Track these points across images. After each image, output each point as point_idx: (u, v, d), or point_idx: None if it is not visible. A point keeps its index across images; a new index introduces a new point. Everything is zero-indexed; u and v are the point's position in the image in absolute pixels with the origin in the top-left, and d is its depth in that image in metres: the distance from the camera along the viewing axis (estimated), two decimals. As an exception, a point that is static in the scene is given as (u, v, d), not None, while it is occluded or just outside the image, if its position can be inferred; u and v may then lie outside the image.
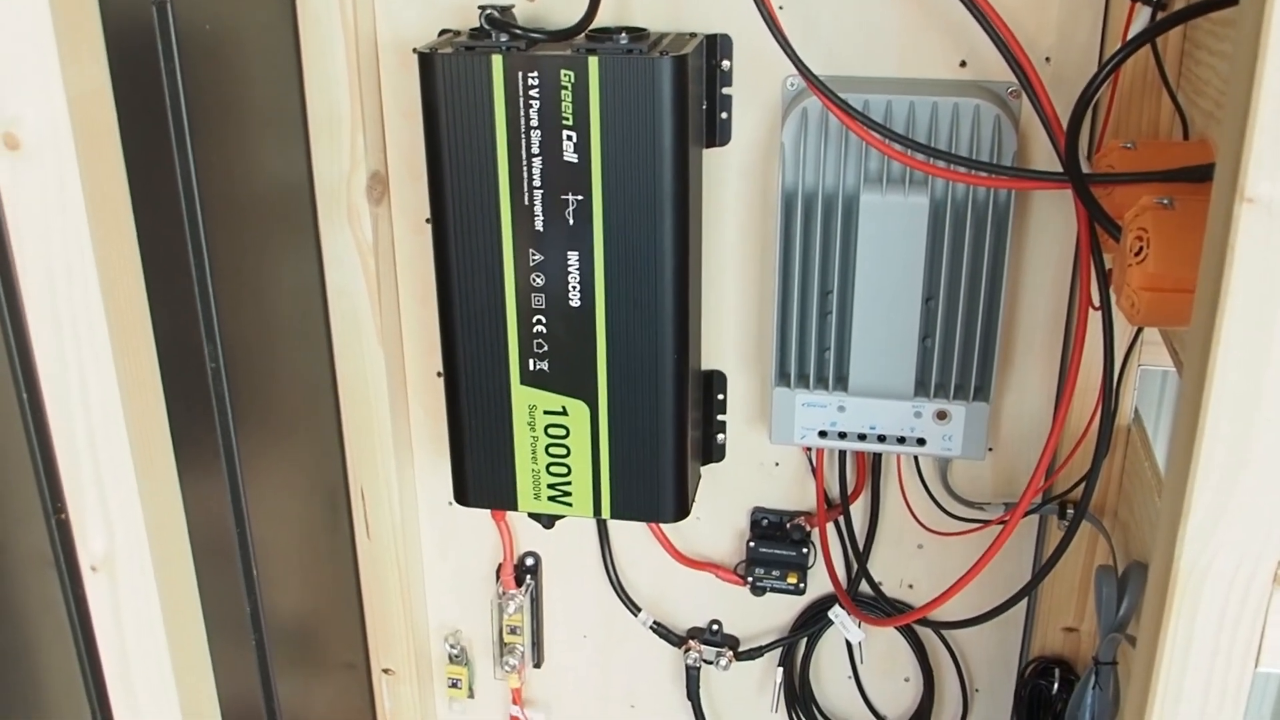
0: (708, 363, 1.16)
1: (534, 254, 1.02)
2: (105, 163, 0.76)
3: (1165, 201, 0.75)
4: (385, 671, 1.34)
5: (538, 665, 1.35)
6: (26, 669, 0.87)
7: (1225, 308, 0.60)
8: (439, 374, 1.12)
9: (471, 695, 1.39)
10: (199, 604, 0.91)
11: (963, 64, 1.02)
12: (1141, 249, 0.74)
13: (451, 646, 1.36)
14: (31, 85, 0.71)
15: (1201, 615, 0.67)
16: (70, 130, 0.72)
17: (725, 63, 1.05)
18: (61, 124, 0.71)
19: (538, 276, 1.03)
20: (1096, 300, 0.91)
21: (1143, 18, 0.90)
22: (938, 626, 1.21)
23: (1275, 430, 0.62)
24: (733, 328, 1.15)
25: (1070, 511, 1.11)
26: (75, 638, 0.86)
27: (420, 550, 1.32)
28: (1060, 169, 0.90)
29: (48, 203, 0.74)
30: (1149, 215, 0.74)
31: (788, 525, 1.21)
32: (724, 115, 1.07)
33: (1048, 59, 1.00)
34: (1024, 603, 1.16)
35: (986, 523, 1.13)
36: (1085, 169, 0.87)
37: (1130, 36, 0.89)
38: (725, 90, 1.06)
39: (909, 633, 1.25)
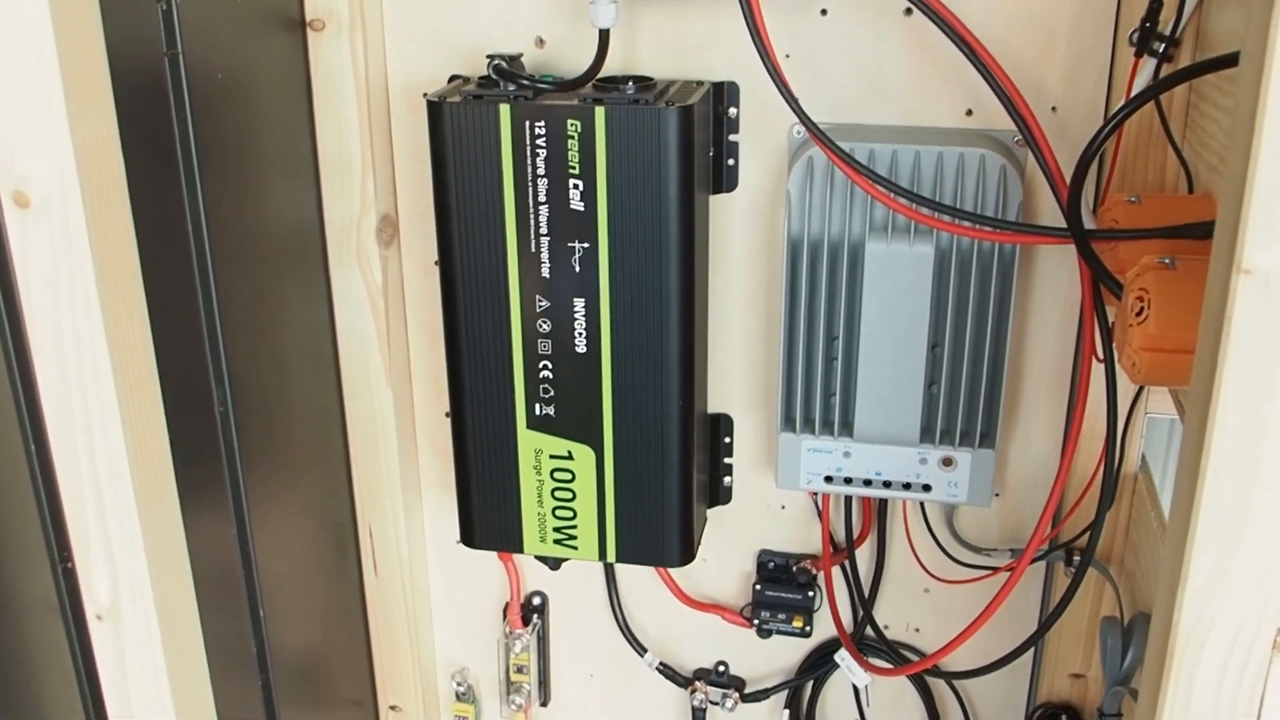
0: (714, 406, 1.16)
1: (540, 300, 1.03)
2: (113, 219, 0.77)
3: (1167, 261, 0.75)
4: (392, 709, 1.34)
5: (544, 704, 1.35)
6: (31, 715, 0.88)
7: (1223, 377, 0.60)
8: (447, 414, 1.12)
9: (478, 733, 1.39)
10: (203, 652, 0.92)
11: (969, 113, 1.02)
12: (1142, 309, 0.74)
13: (458, 684, 1.36)
14: (40, 144, 0.72)
15: (1201, 679, 0.67)
16: (78, 188, 0.73)
17: (732, 110, 1.06)
18: (69, 182, 0.72)
19: (544, 322, 1.03)
20: (1100, 352, 0.91)
21: (1148, 70, 0.90)
22: (946, 676, 1.21)
23: (1274, 495, 0.62)
24: (739, 371, 1.16)
25: (1077, 559, 1.10)
26: (80, 685, 0.87)
27: (428, 588, 1.33)
28: (1064, 222, 0.91)
29: (56, 259, 0.75)
30: (1150, 276, 0.74)
31: (794, 569, 1.21)
32: (731, 162, 1.08)
33: (1054, 109, 1.00)
34: (1031, 648, 1.15)
35: (992, 570, 1.13)
36: (1089, 223, 0.87)
37: (1134, 92, 0.89)
38: (732, 137, 1.07)
39: (916, 677, 1.24)
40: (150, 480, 0.83)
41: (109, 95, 0.76)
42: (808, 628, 1.22)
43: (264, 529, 1.06)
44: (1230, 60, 0.73)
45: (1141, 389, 1.02)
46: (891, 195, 0.94)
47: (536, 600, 1.31)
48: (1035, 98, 0.98)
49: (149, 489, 0.83)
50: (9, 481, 0.82)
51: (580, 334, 1.03)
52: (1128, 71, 0.95)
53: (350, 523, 1.25)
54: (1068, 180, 0.89)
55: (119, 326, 0.78)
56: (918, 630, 1.23)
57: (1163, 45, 0.88)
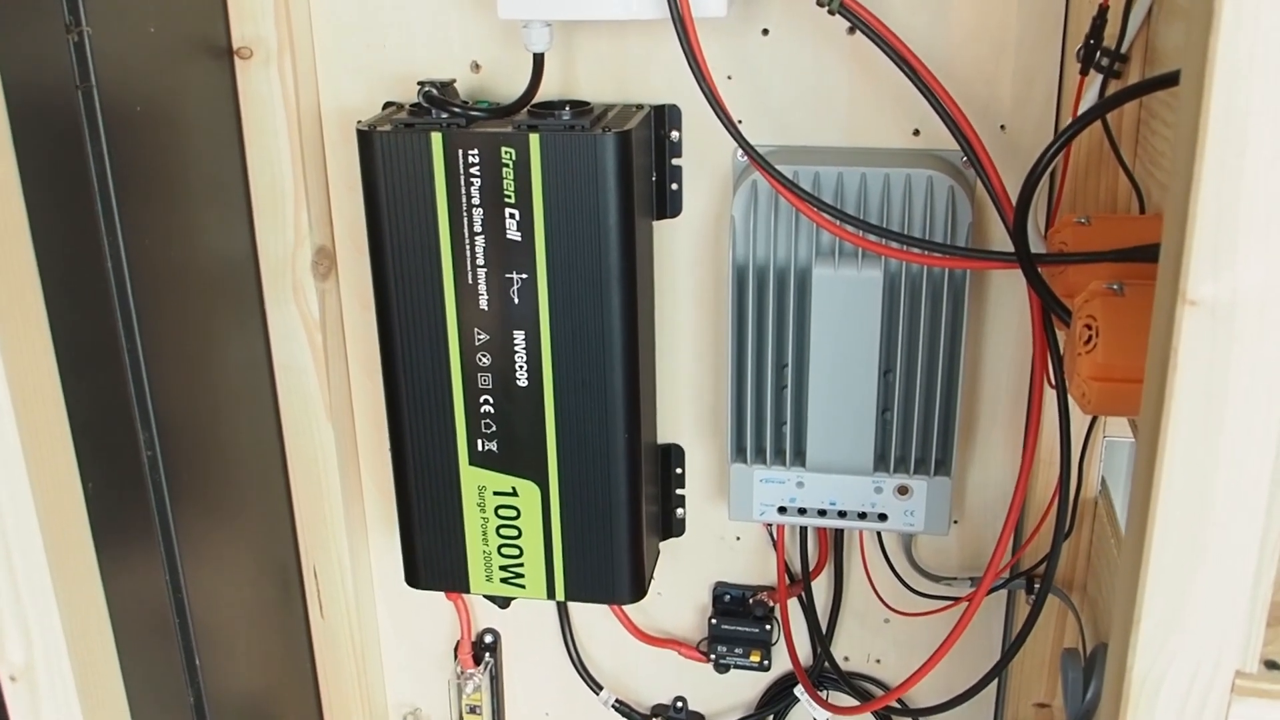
0: (664, 436, 1.13)
1: (480, 333, 0.99)
2: (12, 259, 0.73)
3: (1115, 287, 0.72)
4: (343, 752, 1.30)
5: (499, 744, 1.31)
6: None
7: (1171, 411, 0.57)
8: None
9: (432, 775, 1.35)
10: (126, 710, 0.88)
11: (916, 132, 1.00)
12: (1090, 338, 0.71)
13: (410, 726, 1.33)
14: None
15: (1158, 724, 0.64)
16: (-29, 230, 0.69)
17: (674, 133, 1.03)
18: (-37, 225, 0.69)
19: (484, 356, 1.00)
20: (1052, 379, 0.88)
21: (1094, 88, 0.88)
22: (910, 714, 1.17)
23: (1228, 531, 0.59)
24: (690, 400, 1.13)
25: (1037, 585, 1.07)
26: (-6, 749, 0.83)
27: (376, 628, 1.29)
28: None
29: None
30: (1098, 302, 0.72)
31: (750, 601, 1.18)
32: (674, 186, 1.05)
33: (1002, 127, 0.98)
34: (995, 680, 1.12)
35: (952, 601, 1.10)
36: (1039, 246, 0.85)
37: (1081, 110, 0.87)
38: (675, 161, 1.04)
39: (879, 712, 1.21)
40: (62, 534, 0.79)
41: (4, 132, 0.72)
42: (766, 661, 1.18)
43: (199, 572, 1.02)
44: (1174, 78, 0.71)
45: (1098, 413, 1.00)
46: (837, 223, 0.91)
47: (488, 638, 1.27)
48: (982, 116, 0.96)
49: (61, 543, 0.79)
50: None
51: (521, 367, 1.00)
52: (1073, 87, 0.93)
53: (294, 563, 1.21)
54: (1014, 202, 0.86)
55: (21, 371, 0.74)
56: (878, 661, 1.20)
57: (1109, 61, 0.86)
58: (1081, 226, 0.85)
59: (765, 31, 0.99)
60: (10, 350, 0.73)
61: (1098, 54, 0.86)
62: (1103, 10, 0.84)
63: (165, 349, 0.96)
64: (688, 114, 1.02)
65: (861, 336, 0.99)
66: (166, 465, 0.96)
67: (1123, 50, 0.86)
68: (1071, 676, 0.95)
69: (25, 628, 0.79)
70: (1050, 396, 0.92)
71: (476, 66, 1.04)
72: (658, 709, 1.26)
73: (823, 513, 1.06)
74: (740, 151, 1.01)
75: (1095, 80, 0.87)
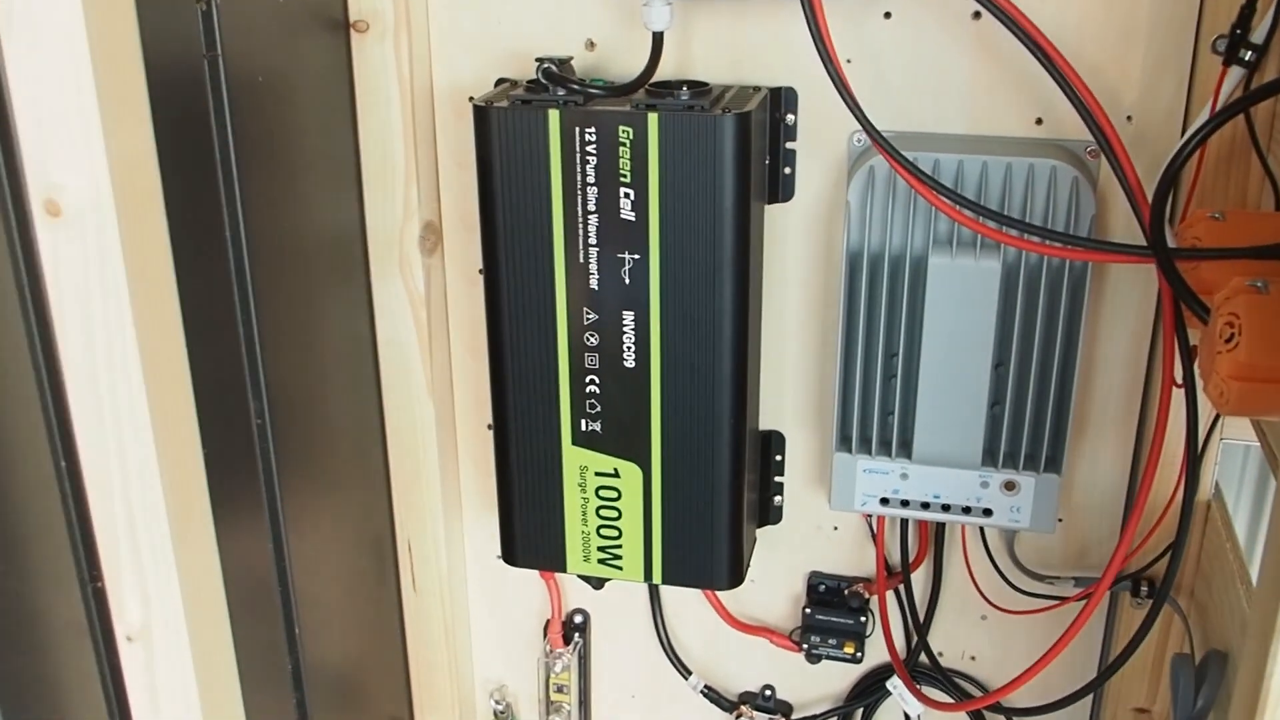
0: (766, 423, 1.12)
1: (588, 313, 0.99)
2: (147, 229, 0.74)
3: (1259, 285, 0.70)
4: (429, 726, 1.31)
5: (584, 724, 1.32)
6: (60, 739, 0.85)
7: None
8: (489, 427, 1.08)
9: (516, 752, 1.36)
10: (236, 673, 0.89)
11: (1039, 121, 0.98)
12: (1233, 335, 0.69)
13: (497, 703, 1.33)
14: (74, 152, 0.69)
15: (1297, 737, 0.62)
16: (112, 197, 0.70)
17: (790, 117, 1.02)
18: (104, 191, 0.69)
19: (592, 336, 1.00)
20: (1179, 377, 0.86)
21: (1233, 80, 0.85)
22: (1006, 713, 1.16)
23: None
24: (793, 387, 1.11)
25: (1144, 589, 1.05)
26: (110, 709, 0.84)
27: (467, 604, 1.29)
28: (1142, 237, 0.86)
29: (89, 271, 0.72)
30: (1241, 300, 0.69)
31: (846, 592, 1.17)
32: (787, 170, 1.03)
33: (1129, 118, 0.96)
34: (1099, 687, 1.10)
35: (1056, 601, 1.08)
36: (1169, 240, 0.82)
37: (1222, 104, 0.84)
38: (789, 145, 1.03)
39: (973, 710, 1.19)
40: (183, 497, 0.80)
41: (144, 101, 0.73)
42: (859, 653, 1.17)
43: (301, 543, 1.03)
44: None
45: (1219, 415, 0.97)
46: (957, 207, 0.89)
47: (578, 618, 1.27)
48: (1109, 106, 0.93)
49: (181, 506, 0.80)
50: (39, 499, 0.79)
51: (629, 348, 0.99)
52: (1206, 80, 0.90)
53: (389, 537, 1.22)
54: (1148, 195, 0.84)
55: (152, 340, 0.75)
56: (973, 659, 1.18)
57: (1250, 54, 0.83)
58: (1216, 222, 0.82)
59: (888, 14, 0.97)
60: (143, 319, 0.74)
61: (1240, 45, 0.83)
62: (1252, 0, 0.81)
63: (276, 320, 0.97)
64: (803, 97, 1.01)
65: (975, 328, 0.97)
66: (275, 435, 0.97)
67: (1265, 42, 0.83)
68: (1183, 683, 0.93)
69: (144, 590, 0.80)
70: (1174, 396, 0.89)
71: (591, 44, 1.04)
72: (745, 696, 1.26)
73: (926, 506, 1.05)
74: (857, 135, 1.00)
75: (1235, 73, 0.85)
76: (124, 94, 0.71)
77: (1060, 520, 1.09)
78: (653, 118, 0.92)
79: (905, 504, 1.05)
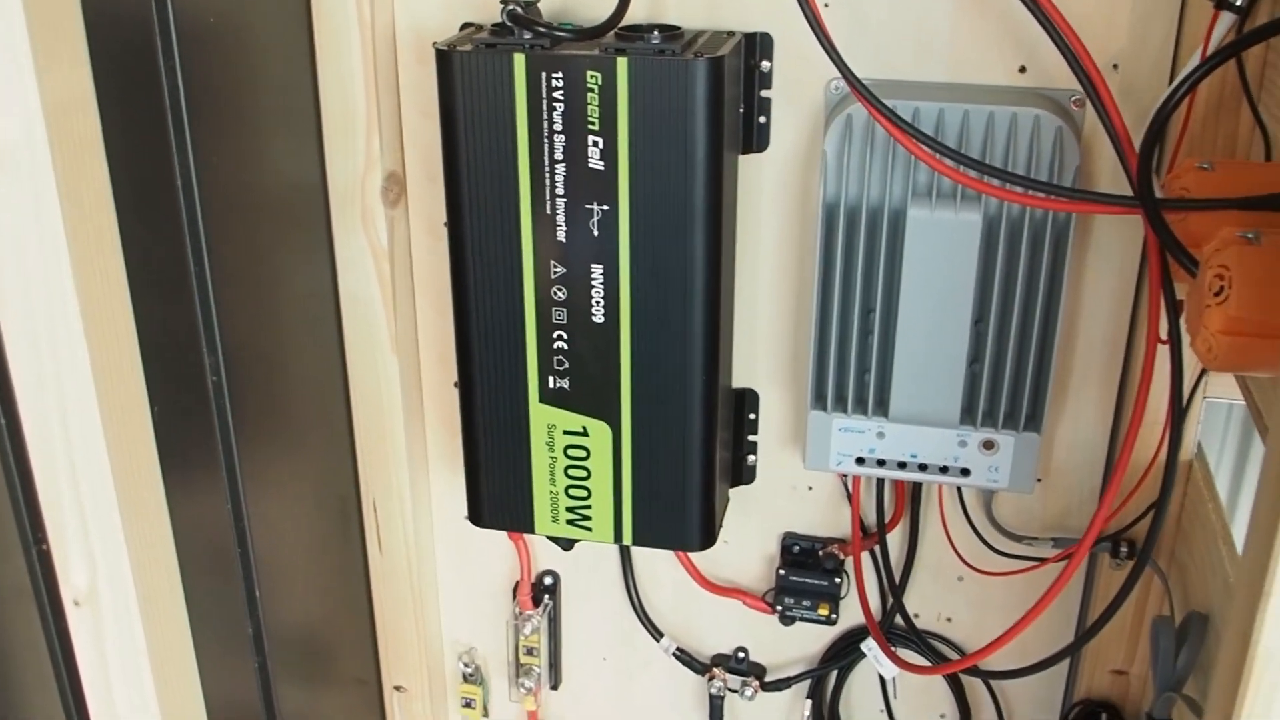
0: (739, 380, 1.10)
1: (556, 266, 0.96)
2: (87, 174, 0.70)
3: (1250, 236, 0.67)
4: (397, 689, 1.29)
5: (554, 687, 1.29)
6: (6, 705, 0.82)
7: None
8: (456, 384, 1.05)
9: (486, 715, 1.34)
10: (189, 637, 0.86)
11: (1022, 69, 0.95)
12: (1222, 289, 0.67)
13: (465, 665, 1.31)
14: (5, 90, 0.65)
15: (1282, 706, 0.60)
16: (46, 140, 0.66)
17: (765, 64, 0.98)
18: (37, 134, 0.66)
19: (559, 290, 0.97)
20: (1164, 333, 0.84)
21: (1224, 25, 0.82)
22: (982, 675, 1.14)
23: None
24: (766, 344, 1.09)
25: (1124, 550, 1.03)
26: (58, 674, 0.81)
27: (434, 565, 1.27)
28: (1128, 188, 0.83)
29: (24, 218, 0.68)
30: (1231, 251, 0.67)
31: (820, 553, 1.14)
32: (762, 119, 1.00)
33: (1115, 66, 0.93)
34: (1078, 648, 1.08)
35: (1035, 563, 1.06)
36: (1156, 191, 0.80)
37: (1213, 49, 0.81)
38: (764, 93, 0.99)
39: (947, 668, 1.18)
40: (129, 457, 0.77)
41: (81, 38, 0.69)
42: (834, 615, 1.15)
43: (261, 503, 1.00)
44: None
45: (1203, 372, 0.95)
46: (937, 156, 0.86)
47: (548, 580, 1.25)
48: (1096, 55, 0.90)
49: (128, 466, 0.76)
50: (-24, 458, 0.76)
51: (598, 303, 0.96)
52: (1195, 28, 0.87)
53: (354, 497, 1.19)
54: (1135, 144, 0.81)
55: (94, 291, 0.71)
56: (950, 620, 1.16)
57: (1242, -2, 0.80)
58: (1204, 172, 0.79)
59: (867, -43, 0.94)
60: (82, 269, 0.70)
61: (1232, -12, 0.80)
62: (1244, -59, 0.78)
63: (232, 273, 0.93)
64: (779, 43, 0.98)
65: (955, 283, 0.95)
66: (231, 392, 0.94)
67: (1257, -16, 0.80)
68: (1163, 645, 0.91)
69: (90, 551, 0.77)
70: (1159, 352, 0.87)
71: (559, -13, 1.00)
72: (718, 659, 1.24)
73: (903, 465, 1.02)
74: (835, 83, 0.97)
75: (1227, 18, 0.82)
76: (59, 34, 0.67)
77: (1039, 480, 1.07)
78: (622, 62, 0.88)
79: (881, 463, 1.03)
